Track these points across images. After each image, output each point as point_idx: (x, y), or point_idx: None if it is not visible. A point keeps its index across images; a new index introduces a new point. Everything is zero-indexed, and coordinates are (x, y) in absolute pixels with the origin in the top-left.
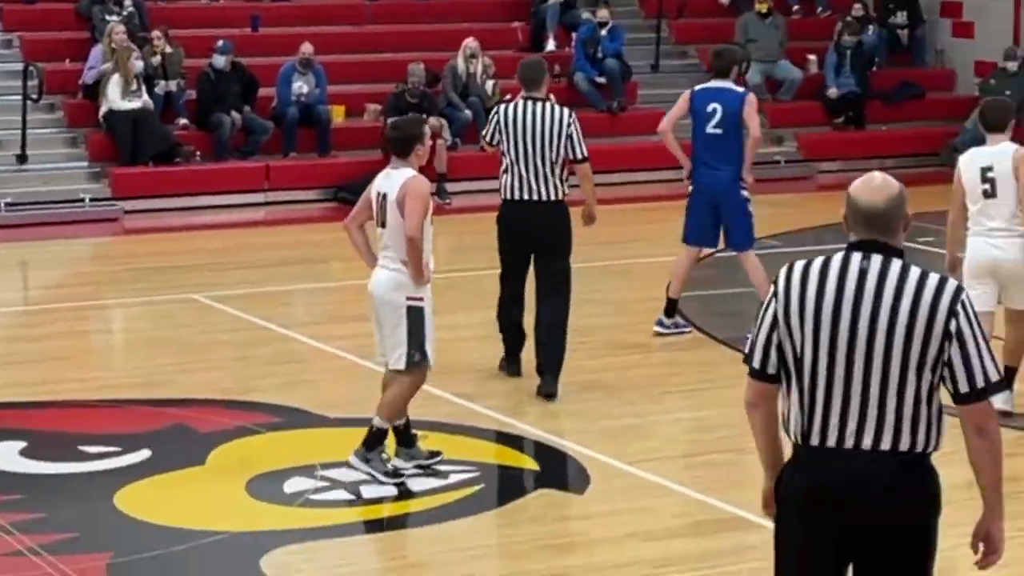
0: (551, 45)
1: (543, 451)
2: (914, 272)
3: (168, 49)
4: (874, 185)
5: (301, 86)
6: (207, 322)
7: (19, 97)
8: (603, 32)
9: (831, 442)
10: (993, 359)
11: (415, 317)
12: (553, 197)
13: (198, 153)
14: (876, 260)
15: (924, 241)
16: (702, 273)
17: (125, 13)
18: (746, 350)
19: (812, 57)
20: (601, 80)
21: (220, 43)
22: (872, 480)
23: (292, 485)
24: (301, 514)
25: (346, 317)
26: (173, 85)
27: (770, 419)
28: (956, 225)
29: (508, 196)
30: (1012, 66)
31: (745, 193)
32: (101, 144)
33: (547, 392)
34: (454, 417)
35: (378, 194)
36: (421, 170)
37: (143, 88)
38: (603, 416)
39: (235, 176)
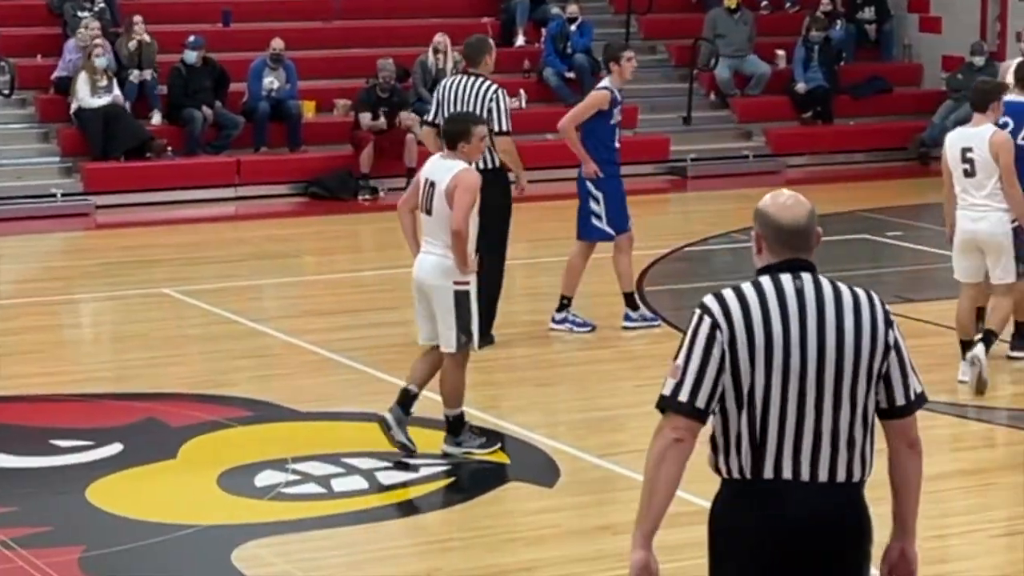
0: (521, 40)
1: (513, 444)
2: (843, 287)
3: (146, 38)
4: (789, 202)
5: (272, 81)
6: (178, 316)
7: None
8: (572, 27)
9: (787, 474)
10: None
11: (463, 301)
12: (489, 166)
13: (169, 148)
14: (807, 278)
15: (893, 235)
16: (672, 267)
17: (97, 8)
18: (673, 390)
19: (780, 52)
20: (570, 75)
21: (191, 38)
22: (833, 512)
23: (263, 479)
24: (272, 507)
25: (317, 311)
26: (148, 75)
27: (686, 456)
28: (948, 202)
29: None
30: (979, 60)
31: (588, 185)
32: (73, 139)
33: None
34: (424, 411)
35: (426, 180)
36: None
37: (113, 83)
38: (573, 409)
39: (206, 171)
